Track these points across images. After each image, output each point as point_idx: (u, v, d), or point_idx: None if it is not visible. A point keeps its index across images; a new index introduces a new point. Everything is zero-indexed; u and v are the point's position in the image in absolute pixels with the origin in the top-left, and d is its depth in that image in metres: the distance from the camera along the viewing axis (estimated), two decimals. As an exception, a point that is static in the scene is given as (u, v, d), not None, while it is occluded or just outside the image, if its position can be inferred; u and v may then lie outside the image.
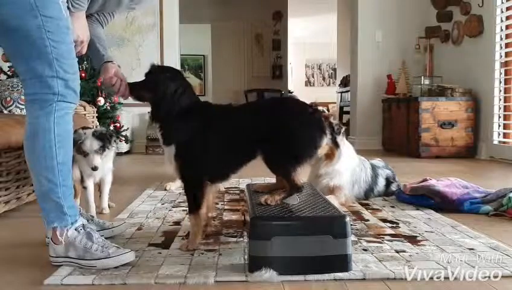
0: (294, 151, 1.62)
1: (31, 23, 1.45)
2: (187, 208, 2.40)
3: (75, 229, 1.58)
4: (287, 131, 1.61)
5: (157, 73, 1.74)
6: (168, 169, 1.76)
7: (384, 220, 2.15)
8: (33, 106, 1.55)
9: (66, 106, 1.56)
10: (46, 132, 1.52)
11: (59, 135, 1.54)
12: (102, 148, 2.14)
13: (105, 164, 2.28)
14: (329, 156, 2.43)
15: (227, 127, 1.71)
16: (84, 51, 1.72)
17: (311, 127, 1.63)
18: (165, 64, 5.76)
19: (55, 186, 1.54)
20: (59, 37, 1.49)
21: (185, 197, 2.69)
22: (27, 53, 1.50)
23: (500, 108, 4.66)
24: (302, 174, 1.70)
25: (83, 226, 1.60)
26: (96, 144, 2.12)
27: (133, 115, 5.73)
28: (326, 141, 1.66)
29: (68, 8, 1.57)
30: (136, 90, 1.79)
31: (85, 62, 4.60)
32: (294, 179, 1.63)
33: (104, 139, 2.16)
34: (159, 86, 1.69)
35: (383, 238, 1.86)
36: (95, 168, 2.13)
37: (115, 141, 2.28)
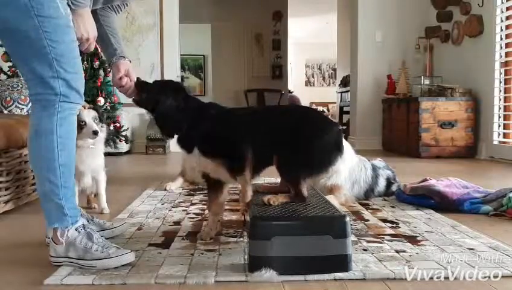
0: (308, 162, 1.65)
1: (28, 24, 1.44)
2: (187, 208, 2.41)
3: (76, 229, 1.57)
4: (307, 142, 1.64)
5: (154, 92, 1.78)
6: (202, 169, 1.78)
7: (384, 220, 2.15)
8: (36, 106, 1.55)
9: (69, 106, 1.55)
10: (48, 133, 1.52)
11: (61, 137, 1.53)
12: (97, 119, 2.26)
13: (95, 158, 2.32)
14: None
15: (247, 129, 1.74)
16: (91, 49, 1.69)
17: (329, 144, 1.67)
18: (165, 64, 5.79)
19: (56, 187, 1.54)
20: (58, 37, 1.48)
21: (185, 197, 2.71)
22: (26, 54, 1.50)
23: (500, 108, 4.66)
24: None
25: (83, 226, 1.60)
26: (92, 112, 2.24)
27: (133, 115, 5.73)
28: (340, 161, 1.70)
29: (69, 5, 1.56)
30: (141, 101, 1.85)
31: (85, 62, 4.60)
32: (301, 189, 1.66)
33: (98, 111, 2.31)
34: (160, 107, 1.74)
35: (383, 238, 1.86)
36: (95, 133, 2.19)
37: (104, 122, 2.40)
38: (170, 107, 1.73)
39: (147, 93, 1.81)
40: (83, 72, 1.62)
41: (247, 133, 1.71)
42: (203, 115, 1.75)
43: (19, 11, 1.44)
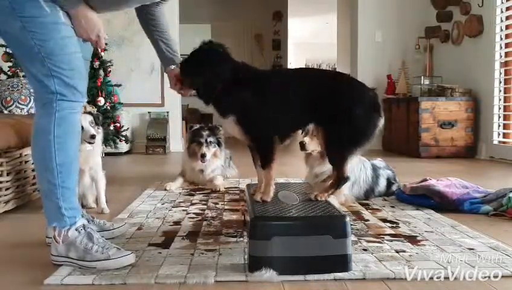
0: (354, 137, 1.72)
1: (14, 26, 1.46)
2: (187, 208, 2.42)
3: (76, 230, 1.57)
4: (351, 115, 1.67)
5: (192, 65, 1.75)
6: (234, 134, 1.76)
7: (384, 220, 2.15)
8: (36, 105, 1.57)
9: (67, 105, 1.54)
10: (46, 133, 1.52)
11: (59, 137, 1.52)
12: (93, 123, 2.34)
13: (93, 157, 2.40)
14: (323, 154, 2.43)
15: (283, 91, 1.73)
16: (101, 46, 1.66)
17: (371, 111, 1.71)
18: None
19: (54, 187, 1.54)
20: (44, 35, 1.48)
21: (185, 197, 2.71)
22: (19, 55, 1.53)
23: (500, 108, 4.66)
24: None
25: (84, 226, 1.60)
26: (88, 117, 2.32)
27: (133, 115, 5.73)
28: (382, 123, 1.74)
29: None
30: (188, 84, 1.83)
31: (85, 62, 4.60)
32: (344, 170, 1.74)
33: (93, 114, 2.39)
34: (200, 78, 1.71)
35: (383, 238, 1.86)
36: (93, 137, 2.29)
37: (102, 123, 2.48)
38: (209, 80, 1.70)
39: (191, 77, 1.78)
40: (82, 67, 1.60)
41: (281, 105, 1.71)
42: (239, 80, 1.72)
43: (4, 14, 1.45)
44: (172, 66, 1.89)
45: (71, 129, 1.58)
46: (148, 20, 1.89)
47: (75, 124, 1.59)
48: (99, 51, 4.71)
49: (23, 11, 1.45)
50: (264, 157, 1.73)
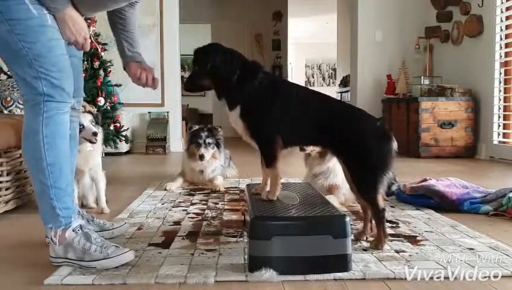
0: (375, 167, 1.75)
1: (1, 29, 1.46)
2: (187, 208, 2.41)
3: (73, 230, 1.57)
4: (366, 147, 1.74)
5: (203, 60, 1.80)
6: (237, 129, 1.76)
7: (384, 220, 2.15)
8: (25, 106, 1.57)
9: (55, 106, 1.54)
10: (35, 134, 1.52)
11: (47, 136, 1.52)
12: (94, 121, 2.36)
13: (93, 158, 2.40)
14: (322, 154, 2.43)
15: (291, 101, 1.75)
16: (86, 49, 1.66)
17: (382, 139, 1.79)
18: (165, 64, 5.79)
19: (47, 187, 1.54)
20: (31, 38, 1.48)
21: (185, 197, 2.71)
22: (7, 58, 1.53)
23: (499, 108, 4.67)
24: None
25: (81, 226, 1.59)
26: (88, 116, 2.34)
27: (133, 115, 5.73)
28: (395, 145, 1.80)
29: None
30: (193, 85, 1.87)
31: (85, 62, 4.60)
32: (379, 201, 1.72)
33: (92, 114, 2.41)
34: (211, 72, 1.75)
35: (383, 238, 1.86)
36: (95, 134, 2.31)
37: (102, 123, 2.51)
38: (221, 74, 1.74)
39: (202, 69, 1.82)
40: (69, 69, 1.59)
41: (290, 111, 1.72)
42: (253, 76, 1.73)
43: None
44: (133, 63, 1.92)
45: (59, 128, 1.57)
46: (117, 19, 1.90)
47: (63, 124, 1.59)
48: (100, 51, 4.71)
49: (9, 14, 1.45)
50: (266, 157, 1.73)
